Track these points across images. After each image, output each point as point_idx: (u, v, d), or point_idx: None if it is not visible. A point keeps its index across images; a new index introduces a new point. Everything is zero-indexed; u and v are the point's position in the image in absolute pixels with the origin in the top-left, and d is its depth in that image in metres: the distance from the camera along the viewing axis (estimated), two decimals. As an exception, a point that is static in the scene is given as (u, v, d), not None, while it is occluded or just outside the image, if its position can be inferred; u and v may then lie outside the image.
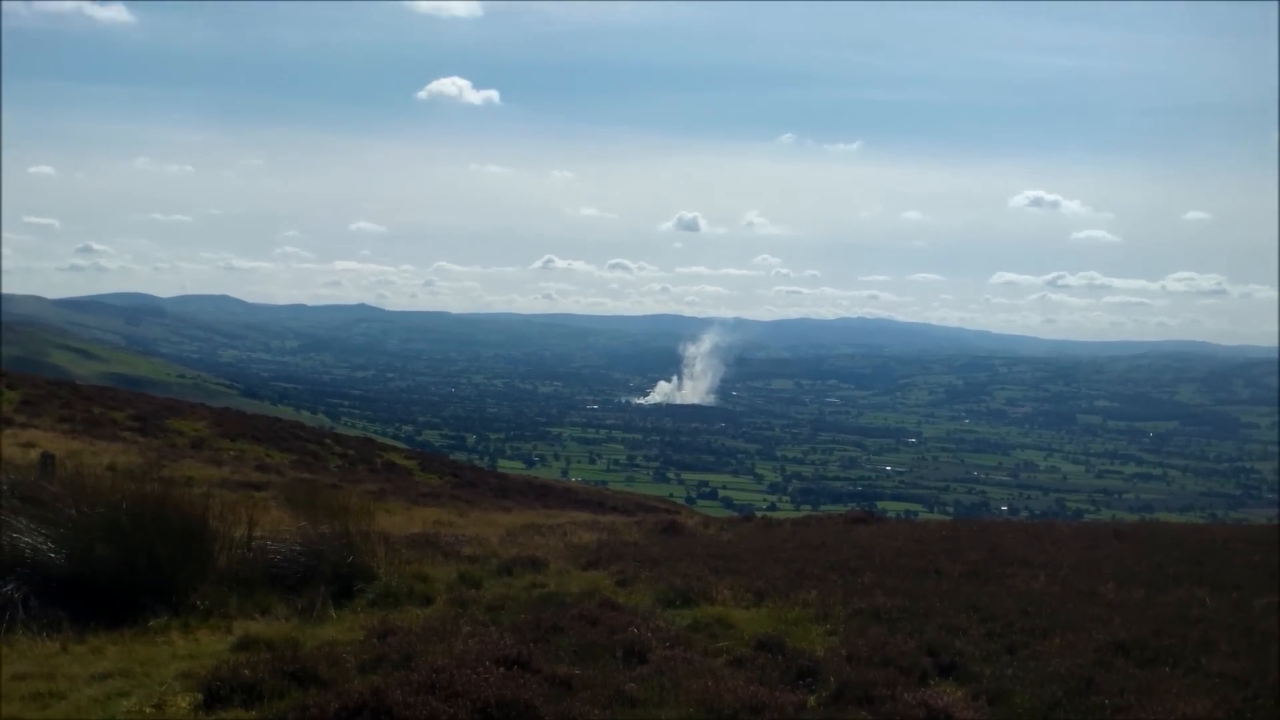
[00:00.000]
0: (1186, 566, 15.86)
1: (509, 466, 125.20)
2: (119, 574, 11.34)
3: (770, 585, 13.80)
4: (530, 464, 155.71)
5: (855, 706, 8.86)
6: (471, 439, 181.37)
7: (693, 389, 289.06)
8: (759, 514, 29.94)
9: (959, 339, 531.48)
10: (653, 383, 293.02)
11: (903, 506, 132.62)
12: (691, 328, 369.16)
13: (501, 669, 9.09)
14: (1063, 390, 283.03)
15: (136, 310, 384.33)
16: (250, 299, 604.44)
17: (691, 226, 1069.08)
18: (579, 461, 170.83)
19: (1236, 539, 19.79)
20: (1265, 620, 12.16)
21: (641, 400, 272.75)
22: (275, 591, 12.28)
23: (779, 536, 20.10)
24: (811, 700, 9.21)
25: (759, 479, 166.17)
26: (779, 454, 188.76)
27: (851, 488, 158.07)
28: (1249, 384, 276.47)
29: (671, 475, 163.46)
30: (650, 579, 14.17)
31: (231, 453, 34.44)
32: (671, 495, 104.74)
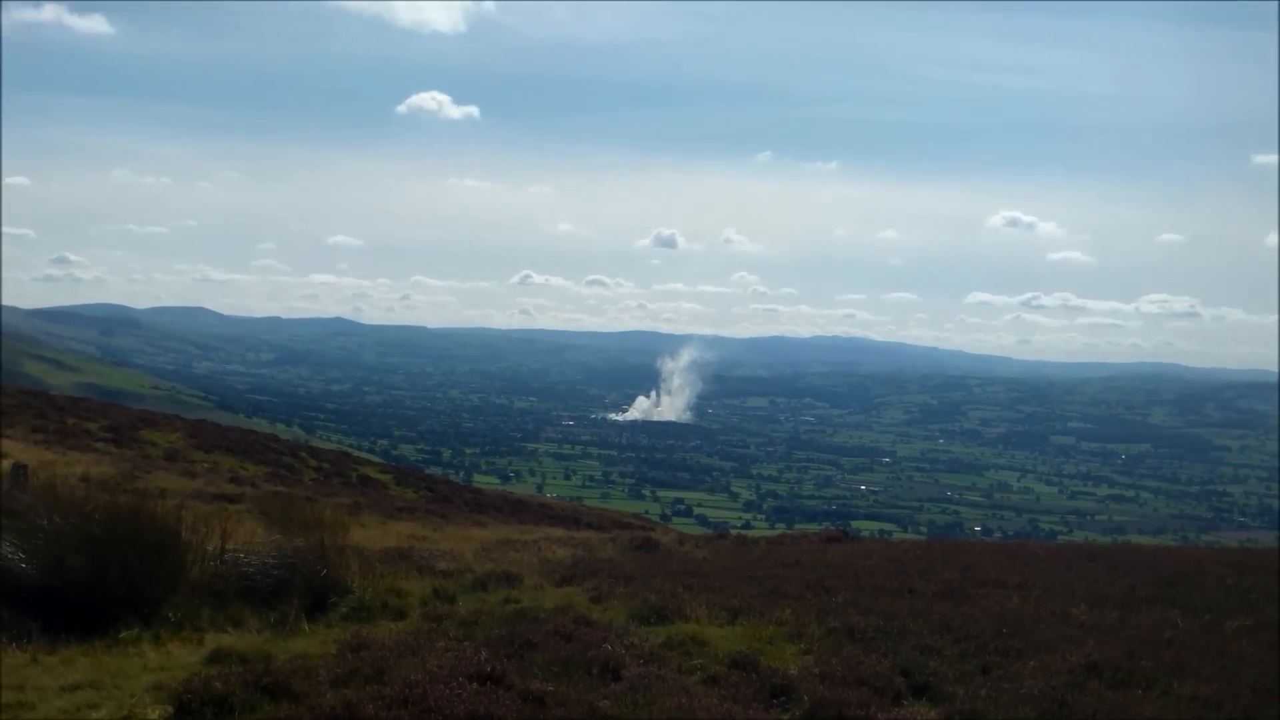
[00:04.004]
0: (1159, 589, 15.88)
1: (484, 481, 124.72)
2: (91, 585, 11.32)
3: (744, 603, 13.75)
4: (505, 479, 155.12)
5: (829, 725, 8.85)
6: (447, 453, 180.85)
7: (669, 405, 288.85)
8: (734, 532, 29.90)
9: (933, 358, 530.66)
10: (629, 399, 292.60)
11: (877, 526, 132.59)
12: (668, 344, 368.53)
13: (475, 684, 9.07)
14: (1036, 411, 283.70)
15: (111, 321, 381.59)
16: (226, 311, 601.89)
17: (669, 243, 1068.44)
18: (554, 477, 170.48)
19: (1208, 561, 19.83)
20: (1237, 643, 12.19)
21: (618, 416, 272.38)
22: (248, 604, 12.25)
23: (754, 554, 20.06)
24: (785, 719, 9.19)
25: (734, 497, 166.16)
26: (754, 472, 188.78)
27: (826, 506, 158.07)
28: (1220, 406, 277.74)
29: (647, 492, 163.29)
30: (625, 595, 14.10)
31: (205, 465, 34.26)
32: (646, 512, 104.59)
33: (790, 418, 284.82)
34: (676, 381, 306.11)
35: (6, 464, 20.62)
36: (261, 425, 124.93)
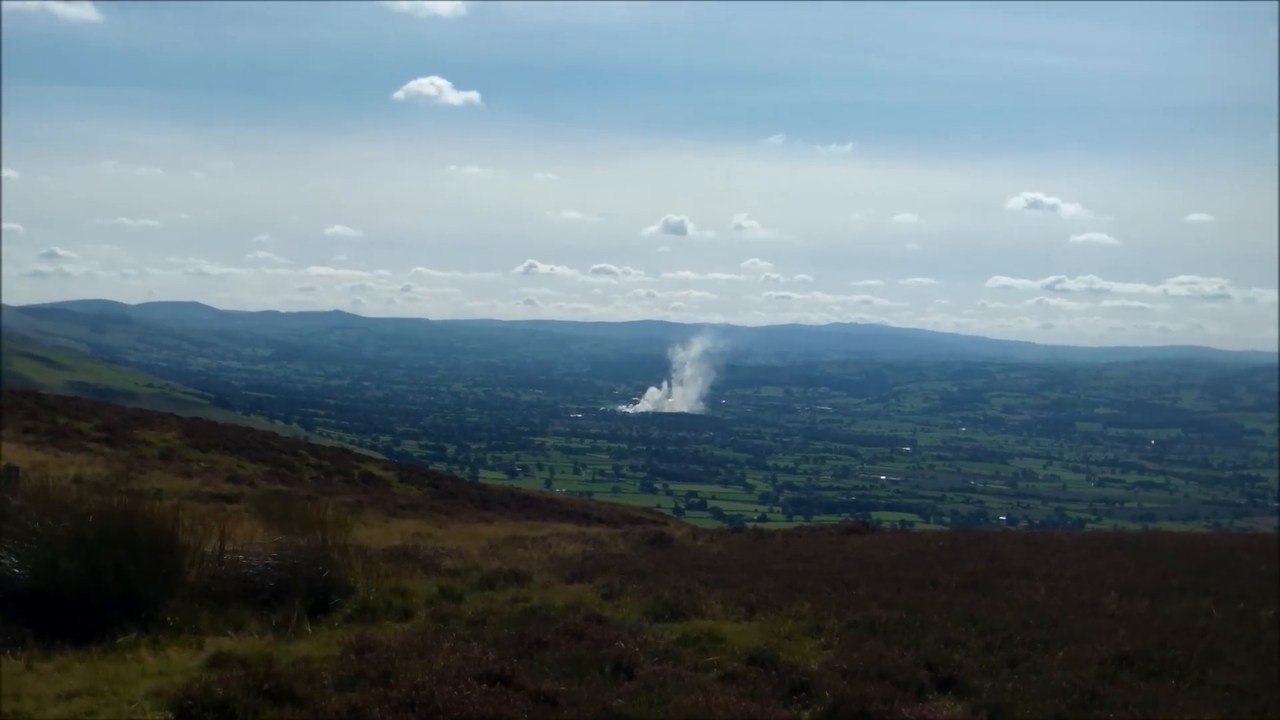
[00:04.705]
0: (1191, 577, 15.77)
1: (490, 477, 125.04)
2: (86, 589, 11.24)
3: (762, 598, 13.64)
4: (512, 474, 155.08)
5: (851, 723, 8.67)
6: (451, 449, 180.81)
7: (681, 397, 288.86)
8: (749, 525, 29.71)
9: (954, 345, 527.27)
10: (638, 390, 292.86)
11: (898, 517, 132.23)
12: (679, 334, 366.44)
13: (484, 685, 9.04)
14: (1061, 397, 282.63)
15: (103, 318, 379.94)
16: (221, 306, 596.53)
17: (678, 230, 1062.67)
18: (563, 472, 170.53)
19: (1242, 548, 19.71)
20: (1272, 632, 12.07)
21: (628, 408, 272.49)
22: (248, 606, 12.18)
23: (770, 548, 19.88)
24: (805, 716, 9.14)
25: (749, 489, 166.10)
26: (770, 463, 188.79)
27: (845, 498, 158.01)
28: (1253, 390, 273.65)
29: (659, 485, 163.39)
30: (638, 592, 14.02)
31: (202, 464, 34.05)
32: (659, 506, 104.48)
33: (806, 407, 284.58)
34: (688, 372, 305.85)
35: None
36: (259, 422, 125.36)
